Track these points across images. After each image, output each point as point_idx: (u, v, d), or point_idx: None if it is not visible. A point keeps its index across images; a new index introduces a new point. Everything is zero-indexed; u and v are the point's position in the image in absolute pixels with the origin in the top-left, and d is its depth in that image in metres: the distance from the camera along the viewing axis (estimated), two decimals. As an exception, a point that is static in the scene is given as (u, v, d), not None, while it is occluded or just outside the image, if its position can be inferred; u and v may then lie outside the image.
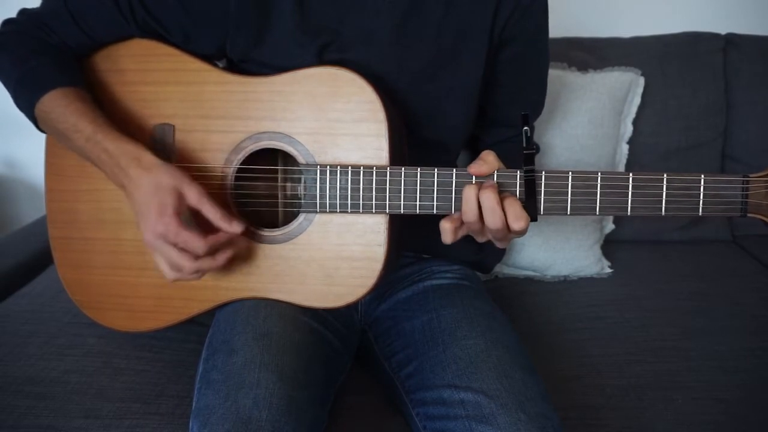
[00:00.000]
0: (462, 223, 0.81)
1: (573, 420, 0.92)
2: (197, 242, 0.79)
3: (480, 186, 0.79)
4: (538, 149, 1.14)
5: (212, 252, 0.81)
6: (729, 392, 0.98)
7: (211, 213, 0.81)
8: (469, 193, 0.78)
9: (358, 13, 0.88)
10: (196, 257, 0.80)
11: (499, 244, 0.83)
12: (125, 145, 0.83)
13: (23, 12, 0.93)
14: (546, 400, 0.79)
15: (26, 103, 0.87)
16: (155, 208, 0.79)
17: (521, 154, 0.79)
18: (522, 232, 0.79)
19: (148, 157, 0.82)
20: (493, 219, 0.78)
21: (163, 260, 0.81)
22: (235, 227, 0.82)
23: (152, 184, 0.80)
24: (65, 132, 0.85)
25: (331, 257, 0.87)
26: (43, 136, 0.96)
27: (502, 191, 0.80)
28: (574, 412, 0.94)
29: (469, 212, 0.79)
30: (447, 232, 0.81)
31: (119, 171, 0.82)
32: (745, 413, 0.95)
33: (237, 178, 0.89)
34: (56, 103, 0.85)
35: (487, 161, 0.80)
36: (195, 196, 0.81)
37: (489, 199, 0.77)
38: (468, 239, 0.86)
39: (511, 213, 0.78)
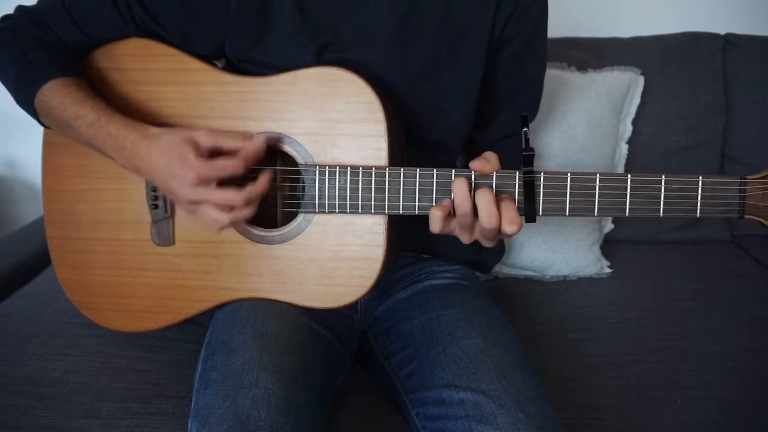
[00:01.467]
0: (451, 213, 0.80)
1: (573, 420, 0.92)
2: (233, 163, 0.79)
3: (468, 179, 0.78)
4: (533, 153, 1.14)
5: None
6: (729, 392, 0.98)
7: (229, 140, 0.81)
8: (461, 186, 0.78)
9: (357, 12, 0.88)
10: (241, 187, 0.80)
11: (485, 243, 0.83)
12: (129, 125, 0.83)
13: (20, 9, 0.93)
14: (545, 399, 0.79)
15: (26, 96, 0.87)
16: (177, 162, 0.79)
17: (520, 156, 0.79)
18: (512, 235, 0.79)
19: (151, 130, 0.82)
20: (488, 219, 0.78)
21: (209, 209, 0.80)
22: (256, 140, 0.82)
23: (163, 147, 0.80)
24: (67, 120, 0.85)
25: (330, 257, 0.87)
26: (41, 137, 0.96)
27: (500, 192, 0.80)
28: (573, 412, 0.94)
29: (463, 205, 0.78)
30: (436, 219, 0.80)
31: (128, 152, 0.82)
32: (745, 413, 0.95)
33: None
34: (56, 92, 0.85)
35: (490, 161, 0.80)
36: (207, 135, 0.81)
37: (485, 199, 0.77)
38: None
39: (506, 216, 0.78)
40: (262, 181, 0.82)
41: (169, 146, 0.80)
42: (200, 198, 0.80)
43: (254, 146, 0.81)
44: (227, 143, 0.81)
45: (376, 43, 0.89)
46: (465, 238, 0.82)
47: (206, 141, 0.81)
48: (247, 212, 0.82)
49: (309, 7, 0.88)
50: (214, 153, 0.81)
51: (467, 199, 0.78)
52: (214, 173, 0.79)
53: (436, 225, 0.81)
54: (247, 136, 0.82)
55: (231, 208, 0.80)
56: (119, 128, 0.83)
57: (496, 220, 0.78)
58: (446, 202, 0.80)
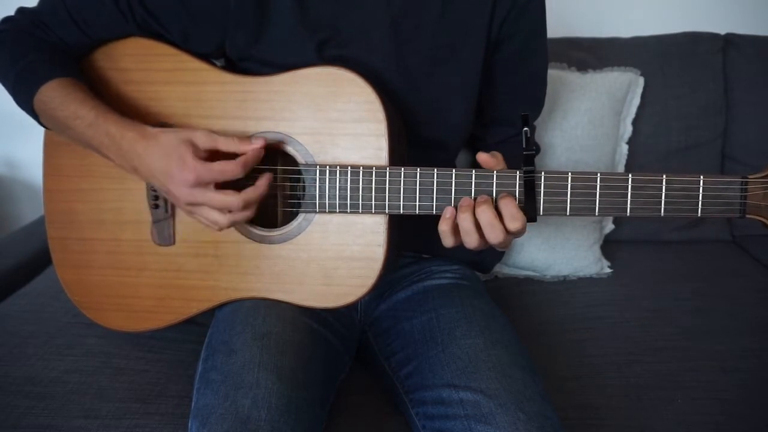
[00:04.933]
0: (456, 224, 0.81)
1: (572, 420, 0.92)
2: (228, 166, 0.79)
3: (467, 200, 0.79)
4: (538, 149, 1.15)
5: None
6: (729, 392, 0.98)
7: (228, 143, 0.81)
8: (460, 208, 0.80)
9: (356, 8, 0.88)
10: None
11: (499, 248, 0.84)
12: (127, 125, 0.83)
13: (21, 10, 0.93)
14: (545, 399, 0.79)
15: (25, 96, 0.87)
16: (176, 163, 0.78)
17: (521, 155, 0.79)
18: (521, 232, 0.80)
19: (150, 130, 0.82)
20: (493, 233, 0.78)
21: (207, 211, 0.81)
22: (255, 143, 0.82)
23: (162, 147, 0.80)
24: (65, 120, 0.85)
25: (331, 257, 0.87)
26: (42, 136, 0.96)
27: (499, 192, 0.80)
28: (573, 412, 0.94)
29: (465, 225, 0.80)
30: (446, 234, 0.81)
31: (126, 152, 0.82)
32: (745, 413, 0.94)
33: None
34: (55, 92, 0.85)
35: (497, 157, 0.81)
36: (205, 137, 0.81)
37: (485, 213, 0.78)
38: None
39: (506, 214, 0.78)
40: (261, 184, 0.82)
41: (168, 147, 0.80)
42: (198, 200, 0.80)
43: (253, 150, 0.81)
44: (226, 146, 0.81)
45: (374, 40, 0.89)
46: (478, 248, 0.83)
47: (205, 142, 0.81)
48: (245, 215, 0.82)
49: (309, 3, 0.88)
50: (213, 155, 0.81)
51: (469, 222, 0.79)
52: (212, 176, 0.79)
53: (448, 240, 0.82)
54: (246, 139, 0.82)
55: (229, 210, 0.80)
56: (117, 128, 0.82)
57: (500, 233, 0.78)
58: (448, 213, 0.81)
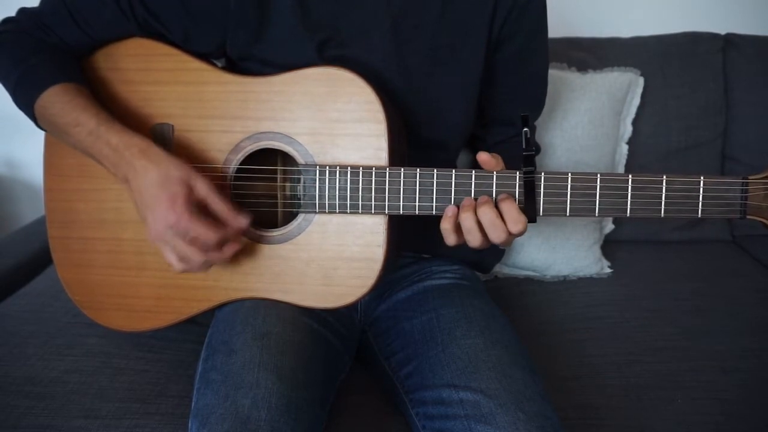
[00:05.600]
0: (458, 222, 0.81)
1: (572, 420, 0.92)
2: (209, 233, 0.79)
3: (474, 204, 0.80)
4: (538, 150, 1.15)
5: (220, 245, 0.81)
6: (729, 392, 0.98)
7: (219, 206, 0.81)
8: (462, 207, 0.80)
9: (356, 8, 0.89)
10: (206, 250, 0.80)
11: (501, 246, 0.84)
12: (130, 137, 0.82)
13: (23, 11, 0.93)
14: (545, 399, 0.79)
15: (26, 100, 0.87)
16: (166, 198, 0.78)
17: (521, 155, 0.79)
18: (522, 233, 0.80)
19: (155, 150, 0.82)
20: (496, 233, 0.79)
21: (171, 252, 0.81)
22: (241, 221, 0.82)
23: (161, 176, 0.79)
24: (65, 127, 0.85)
25: (331, 257, 0.87)
26: (42, 136, 0.96)
27: (499, 192, 0.80)
28: (573, 412, 0.94)
29: (467, 223, 0.80)
30: (448, 232, 0.81)
31: (123, 164, 0.82)
32: (745, 413, 0.94)
33: (236, 179, 0.89)
34: (56, 99, 0.85)
35: (497, 159, 0.82)
36: (204, 189, 0.81)
37: (487, 215, 0.78)
38: None
39: (509, 218, 0.79)
40: (227, 252, 0.82)
41: (166, 179, 0.79)
42: (167, 241, 0.80)
43: (236, 227, 0.82)
44: (216, 207, 0.81)
45: (375, 40, 0.89)
46: (480, 246, 0.83)
47: (201, 193, 0.81)
48: (201, 269, 0.83)
49: (309, 3, 0.88)
50: (202, 206, 0.81)
51: (471, 221, 0.79)
52: (189, 232, 0.78)
53: (450, 238, 0.82)
54: (235, 213, 0.82)
55: (185, 259, 0.81)
56: (120, 138, 0.82)
57: (502, 232, 0.79)
58: (450, 212, 0.81)
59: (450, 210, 0.81)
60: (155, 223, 0.79)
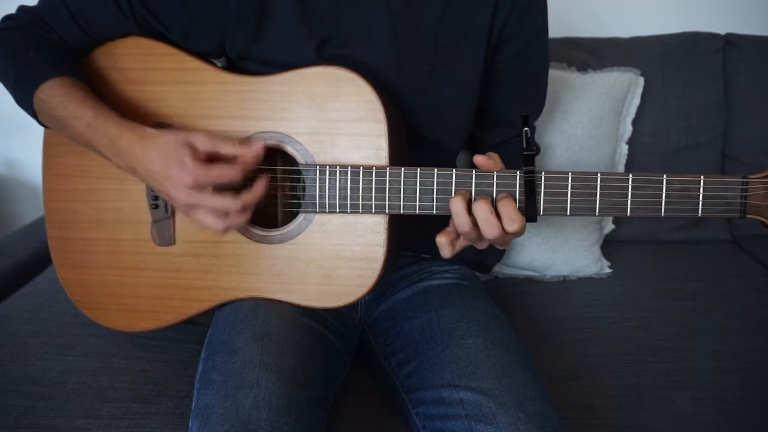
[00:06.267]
0: (458, 235, 0.82)
1: (572, 420, 0.92)
2: (229, 170, 0.78)
3: (465, 196, 0.79)
4: (538, 150, 1.15)
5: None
6: (729, 392, 0.98)
7: (229, 146, 0.81)
8: (457, 205, 0.79)
9: (355, 8, 0.88)
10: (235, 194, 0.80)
11: (499, 247, 0.84)
12: (126, 126, 0.83)
13: (22, 9, 0.93)
14: (545, 399, 0.79)
15: (24, 94, 0.87)
16: (175, 165, 0.78)
17: (521, 155, 0.79)
18: (519, 233, 0.80)
19: (150, 131, 0.82)
20: (490, 229, 0.78)
21: (206, 214, 0.80)
22: (255, 145, 0.81)
23: (160, 148, 0.79)
24: (64, 119, 0.85)
25: (331, 257, 0.87)
26: (42, 136, 0.96)
27: (498, 191, 0.80)
28: (573, 412, 0.94)
29: (462, 224, 0.79)
30: (444, 246, 0.82)
31: (124, 153, 0.82)
32: (744, 413, 0.95)
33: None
34: (55, 91, 0.85)
35: (494, 159, 0.81)
36: (205, 140, 0.80)
37: (482, 211, 0.78)
38: None
39: (505, 216, 0.78)
40: (259, 187, 0.82)
41: (167, 149, 0.79)
42: (195, 202, 0.80)
43: (252, 153, 0.81)
44: (225, 149, 0.81)
45: (374, 40, 0.89)
46: (479, 246, 0.83)
47: (204, 145, 0.80)
48: (243, 219, 0.82)
49: (309, 2, 0.88)
50: (212, 157, 0.81)
51: (465, 217, 0.79)
52: (211, 180, 0.78)
53: (446, 251, 0.82)
54: (245, 141, 0.82)
55: (226, 214, 0.80)
56: (116, 129, 0.82)
57: (497, 229, 0.78)
58: (450, 227, 0.81)
59: (449, 227, 0.81)
60: (177, 192, 0.79)
